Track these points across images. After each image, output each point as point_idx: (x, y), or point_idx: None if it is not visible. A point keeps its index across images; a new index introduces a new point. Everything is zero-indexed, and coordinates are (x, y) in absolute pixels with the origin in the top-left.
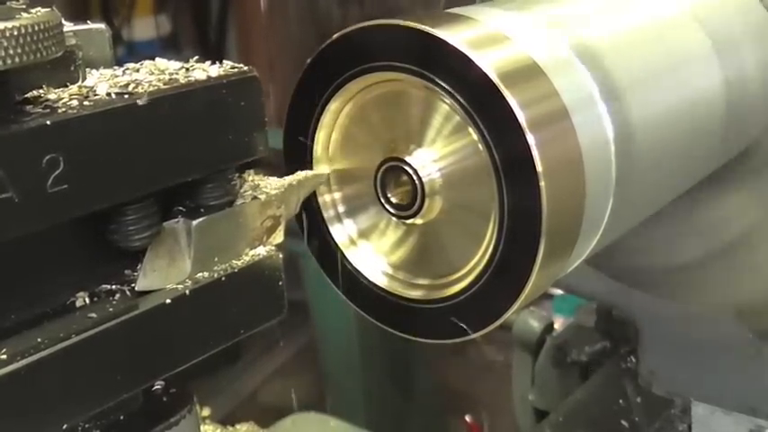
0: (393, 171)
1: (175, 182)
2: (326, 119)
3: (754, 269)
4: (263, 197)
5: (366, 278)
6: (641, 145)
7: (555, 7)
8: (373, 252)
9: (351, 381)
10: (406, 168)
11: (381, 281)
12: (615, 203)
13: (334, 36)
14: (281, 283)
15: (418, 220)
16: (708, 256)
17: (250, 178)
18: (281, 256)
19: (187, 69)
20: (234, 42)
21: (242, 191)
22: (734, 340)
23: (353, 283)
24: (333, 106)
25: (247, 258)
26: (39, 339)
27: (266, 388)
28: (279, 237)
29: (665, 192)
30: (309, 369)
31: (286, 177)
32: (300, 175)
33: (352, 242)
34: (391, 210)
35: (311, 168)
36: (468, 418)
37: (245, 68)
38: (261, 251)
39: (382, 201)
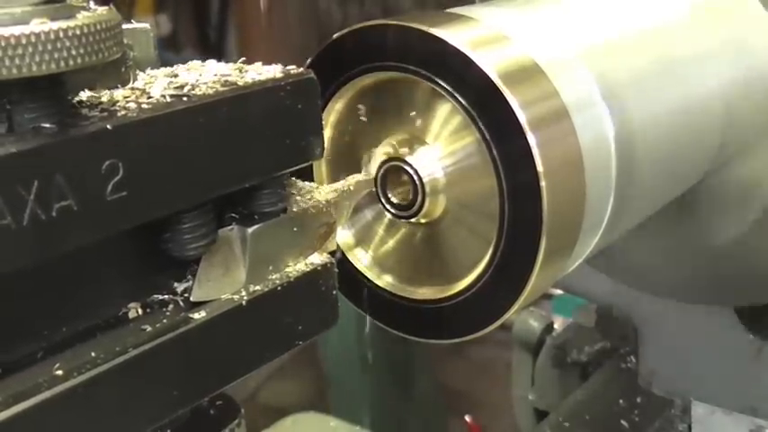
0: (393, 171)
1: (234, 188)
2: (328, 118)
3: (753, 269)
4: (318, 203)
5: (366, 278)
6: (642, 144)
7: (555, 7)
8: (373, 252)
9: (351, 381)
10: (407, 168)
11: (381, 281)
12: (616, 203)
13: (335, 36)
14: (335, 292)
15: (420, 220)
16: (707, 256)
17: (302, 184)
18: (335, 263)
19: (241, 70)
20: (234, 42)
21: (295, 197)
22: (734, 340)
23: (354, 283)
24: (333, 106)
25: (303, 267)
26: (93, 354)
27: (266, 388)
28: (332, 244)
29: (665, 191)
30: (309, 369)
31: (338, 183)
32: (352, 180)
33: (353, 242)
34: (392, 210)
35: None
36: (468, 418)
37: (302, 70)
38: (316, 259)
39: (383, 201)
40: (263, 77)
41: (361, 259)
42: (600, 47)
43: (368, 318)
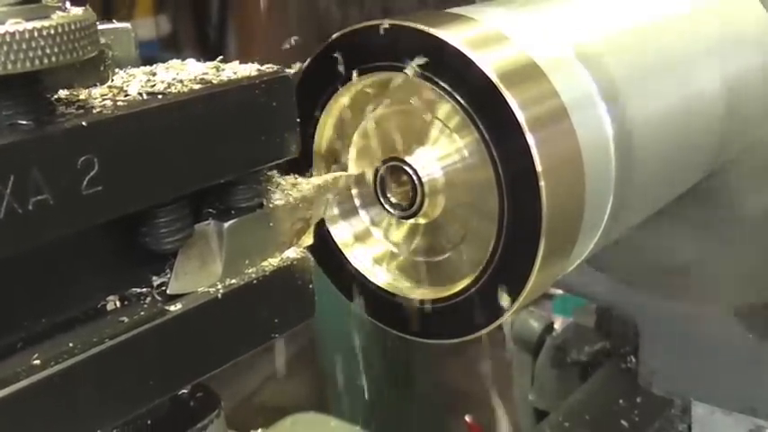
0: (393, 171)
1: (209, 183)
2: (327, 118)
3: (754, 269)
4: (293, 199)
5: (366, 278)
6: (641, 144)
7: (554, 7)
8: (373, 252)
9: (351, 381)
10: (406, 168)
11: (381, 281)
12: (615, 203)
13: (334, 36)
14: (311, 286)
15: (419, 220)
16: (707, 256)
17: (279, 179)
18: (311, 258)
19: (217, 69)
20: (234, 42)
21: (272, 192)
22: (734, 340)
23: (354, 283)
24: (332, 106)
25: (278, 261)
26: (71, 344)
27: (266, 388)
28: (309, 239)
29: (665, 191)
30: (309, 369)
31: (315, 179)
32: (329, 176)
33: (353, 242)
34: (391, 210)
35: (311, 169)
36: (468, 418)
37: (277, 68)
38: (291, 254)
39: (382, 201)
40: (238, 76)
41: (361, 259)
42: (599, 46)
43: (368, 318)
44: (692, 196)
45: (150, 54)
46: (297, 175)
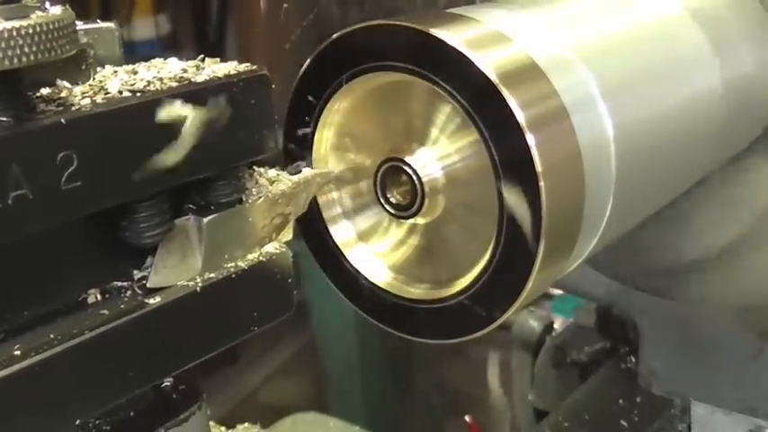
0: (393, 171)
1: (188, 179)
2: (327, 118)
3: (754, 269)
4: (272, 195)
5: (366, 278)
6: (641, 145)
7: (555, 7)
8: (373, 252)
9: (351, 381)
10: (406, 168)
11: (381, 281)
12: (615, 203)
13: (334, 36)
14: (290, 281)
15: (418, 220)
16: (708, 257)
17: (260, 176)
18: (290, 253)
19: (197, 68)
20: (233, 42)
21: (251, 188)
22: (734, 340)
23: (353, 283)
24: (333, 106)
25: (257, 255)
26: (51, 336)
27: (266, 387)
28: (288, 234)
29: (664, 191)
30: (309, 369)
31: (295, 175)
32: (309, 172)
33: (352, 242)
34: (391, 210)
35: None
36: (468, 419)
37: (255, 67)
38: (270, 248)
39: (382, 201)
40: (217, 74)
41: (361, 259)
42: (599, 47)
43: (367, 318)
44: (695, 197)
45: (150, 54)
46: (278, 171)
